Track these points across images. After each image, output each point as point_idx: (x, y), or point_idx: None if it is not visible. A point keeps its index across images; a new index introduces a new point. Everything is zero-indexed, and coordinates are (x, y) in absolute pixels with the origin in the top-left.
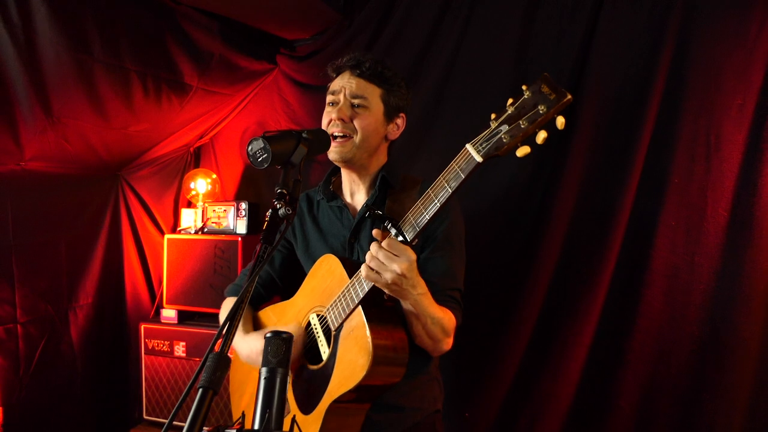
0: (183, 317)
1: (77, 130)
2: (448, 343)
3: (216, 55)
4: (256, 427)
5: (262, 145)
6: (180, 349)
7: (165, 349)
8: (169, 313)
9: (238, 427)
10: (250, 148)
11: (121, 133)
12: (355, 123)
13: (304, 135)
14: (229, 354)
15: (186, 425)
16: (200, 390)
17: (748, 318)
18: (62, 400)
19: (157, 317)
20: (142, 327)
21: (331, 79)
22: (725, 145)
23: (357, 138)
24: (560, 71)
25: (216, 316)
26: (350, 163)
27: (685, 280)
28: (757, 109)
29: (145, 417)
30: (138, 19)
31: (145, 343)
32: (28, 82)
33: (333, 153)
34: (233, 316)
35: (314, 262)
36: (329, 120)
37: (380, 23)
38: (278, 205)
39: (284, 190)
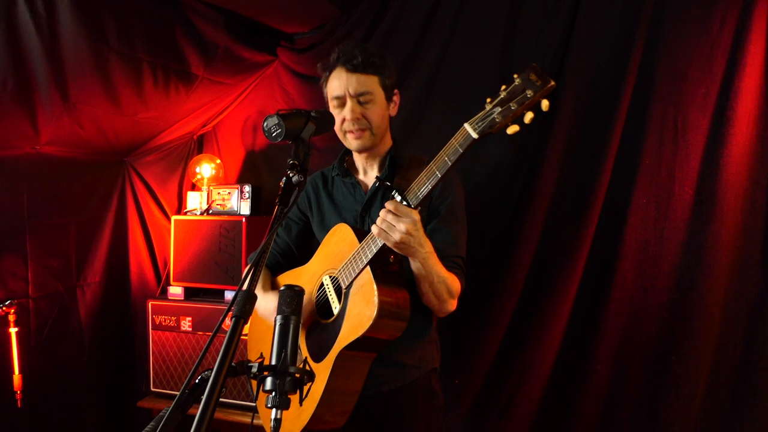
0: (189, 294)
1: (90, 116)
2: (453, 304)
3: (221, 46)
4: (273, 363)
5: (277, 122)
6: (186, 324)
7: (172, 324)
8: (175, 290)
9: (259, 361)
10: (265, 124)
11: (131, 119)
12: (368, 117)
13: (312, 114)
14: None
15: (221, 351)
16: (233, 319)
17: (712, 286)
18: (70, 373)
19: (163, 294)
20: (150, 304)
21: (323, 75)
22: (691, 129)
23: (372, 129)
24: (542, 64)
25: (221, 292)
26: (369, 150)
27: (655, 253)
28: (719, 97)
29: (152, 389)
30: (150, 11)
31: (153, 318)
32: (49, 69)
33: (354, 144)
34: (257, 263)
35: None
36: (342, 120)
37: (377, 17)
38: (291, 174)
39: (296, 161)
